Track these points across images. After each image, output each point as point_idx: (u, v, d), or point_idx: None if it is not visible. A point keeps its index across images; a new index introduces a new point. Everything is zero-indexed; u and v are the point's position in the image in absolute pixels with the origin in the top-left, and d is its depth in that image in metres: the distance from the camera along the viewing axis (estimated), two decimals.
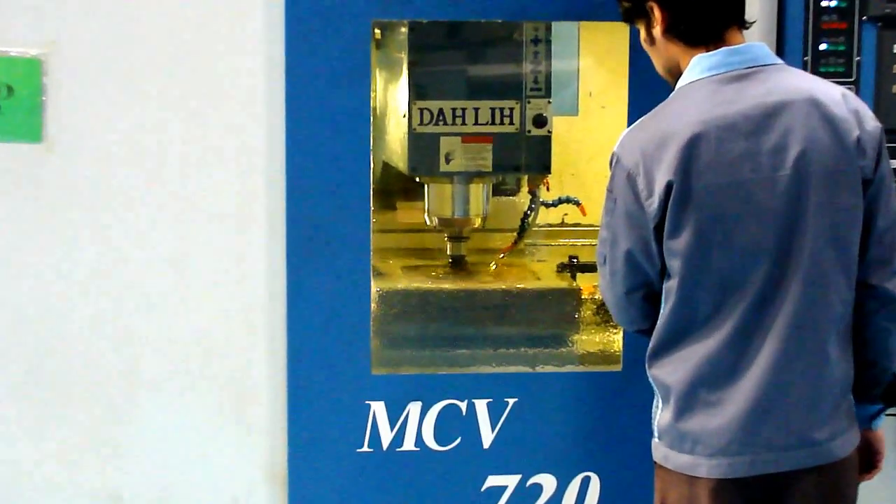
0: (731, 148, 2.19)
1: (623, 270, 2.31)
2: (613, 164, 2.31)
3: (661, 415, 2.32)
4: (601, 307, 3.06)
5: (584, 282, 3.11)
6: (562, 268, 3.19)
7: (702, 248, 2.22)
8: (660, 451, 2.33)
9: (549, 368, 2.95)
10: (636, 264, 2.30)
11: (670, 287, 2.28)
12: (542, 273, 3.22)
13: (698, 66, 2.27)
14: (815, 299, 2.20)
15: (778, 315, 2.19)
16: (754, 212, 2.20)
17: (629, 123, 2.64)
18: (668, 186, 2.21)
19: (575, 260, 3.18)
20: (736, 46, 2.27)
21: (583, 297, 3.05)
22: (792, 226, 2.20)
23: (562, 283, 3.14)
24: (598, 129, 3.31)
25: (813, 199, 2.19)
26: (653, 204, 2.23)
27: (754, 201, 2.20)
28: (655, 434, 2.35)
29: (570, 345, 3.03)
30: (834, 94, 2.24)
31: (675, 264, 2.26)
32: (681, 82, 2.31)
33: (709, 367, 2.24)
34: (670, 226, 2.23)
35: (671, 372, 2.28)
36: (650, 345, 2.31)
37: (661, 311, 2.30)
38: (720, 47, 2.26)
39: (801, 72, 2.36)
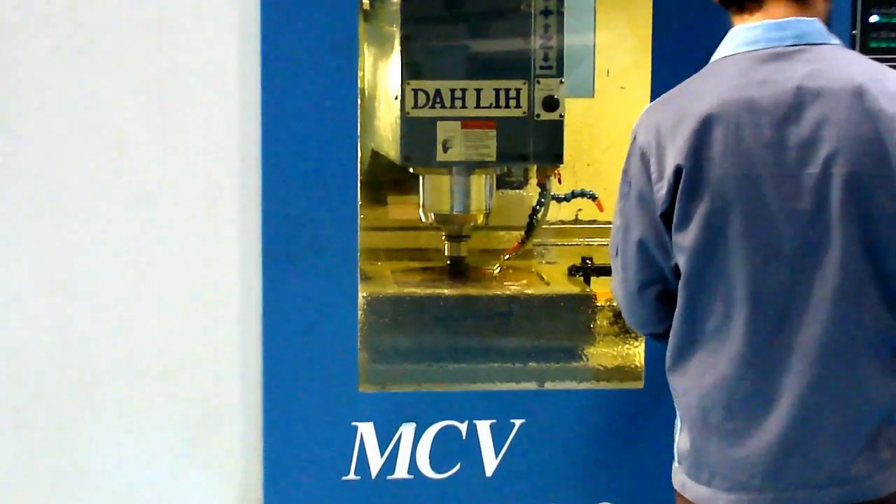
0: (751, 136, 2.16)
1: (636, 263, 2.30)
2: (630, 142, 2.31)
3: (681, 436, 2.33)
4: (619, 315, 3.01)
5: (600, 287, 3.11)
6: (574, 271, 3.19)
7: (709, 246, 2.20)
8: (678, 477, 2.33)
9: (561, 385, 2.96)
10: (649, 256, 2.28)
11: (680, 288, 2.27)
12: (551, 277, 3.23)
13: (735, 39, 2.25)
14: (846, 318, 2.16)
15: (802, 335, 2.16)
16: (771, 212, 2.17)
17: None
18: (678, 171, 2.20)
19: (589, 262, 3.18)
20: (781, 20, 2.22)
21: (598, 303, 3.05)
22: (817, 233, 2.16)
23: (574, 288, 3.14)
24: (617, 113, 3.29)
25: (842, 204, 2.15)
26: (662, 189, 2.23)
27: (772, 200, 2.17)
28: (676, 458, 2.35)
29: (585, 358, 3.04)
30: (891, 86, 2.17)
31: (682, 262, 2.24)
32: (715, 55, 2.30)
33: (724, 390, 2.22)
34: (678, 217, 2.22)
35: (684, 390, 2.29)
36: (667, 352, 2.32)
37: (675, 314, 2.30)
38: (766, 18, 2.23)
39: (857, 55, 2.31)
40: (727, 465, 2.22)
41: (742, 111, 2.17)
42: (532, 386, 2.95)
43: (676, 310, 2.27)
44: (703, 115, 2.18)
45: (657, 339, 2.39)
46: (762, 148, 2.16)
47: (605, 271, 3.14)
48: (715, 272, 2.21)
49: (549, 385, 2.96)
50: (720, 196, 2.18)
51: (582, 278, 3.17)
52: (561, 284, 3.15)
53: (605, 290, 3.09)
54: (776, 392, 2.18)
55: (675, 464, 2.34)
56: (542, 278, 3.24)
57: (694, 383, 2.25)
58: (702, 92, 2.22)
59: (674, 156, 2.19)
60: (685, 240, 2.22)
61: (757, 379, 2.20)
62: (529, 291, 3.08)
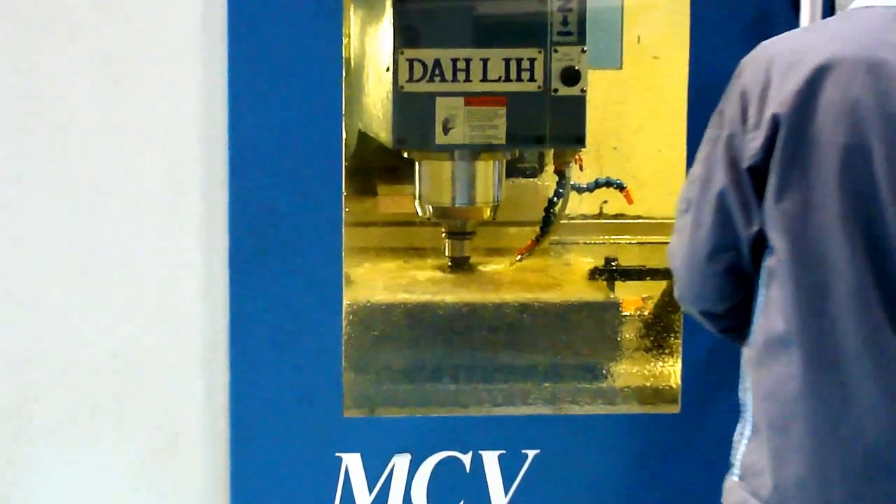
0: (874, 101, 2.15)
1: (711, 222, 2.30)
2: (733, 77, 2.30)
3: (748, 446, 2.32)
4: (651, 326, 3.11)
5: (626, 292, 3.11)
6: (596, 274, 3.20)
7: (807, 226, 2.21)
8: (737, 495, 2.32)
9: (581, 410, 2.97)
10: (728, 216, 2.28)
11: (772, 268, 2.26)
12: (570, 281, 3.23)
13: None
14: None
15: None
16: (880, 196, 2.16)
17: (691, 78, 2.76)
18: (775, 123, 2.19)
19: (614, 263, 3.19)
20: None
21: (625, 312, 3.06)
22: None
23: (596, 294, 3.15)
24: (649, 87, 3.30)
25: None
26: (756, 140, 2.22)
27: (882, 181, 2.16)
28: (736, 471, 2.33)
29: (609, 378, 3.04)
30: None
31: (775, 238, 2.24)
32: (856, 2, 2.28)
33: (816, 398, 2.21)
34: (775, 184, 2.22)
35: (767, 393, 2.27)
36: (750, 342, 2.30)
37: (759, 298, 2.29)
38: None
39: None
40: (803, 486, 2.22)
41: (865, 72, 2.16)
42: (547, 411, 2.96)
43: (772, 292, 2.25)
44: (818, 65, 2.17)
45: (711, 322, 2.39)
46: (879, 118, 2.15)
47: (632, 274, 3.16)
48: (811, 258, 2.20)
49: (567, 409, 2.96)
50: (825, 165, 2.17)
51: (605, 282, 3.17)
52: (581, 290, 3.16)
53: (633, 297, 3.10)
54: (867, 402, 2.19)
55: (733, 479, 2.33)
56: (558, 283, 3.24)
57: (780, 387, 2.24)
58: (826, 39, 2.22)
59: (777, 104, 2.19)
60: (779, 210, 2.22)
61: (852, 387, 2.20)
62: (544, 298, 3.08)
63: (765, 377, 2.28)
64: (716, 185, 2.27)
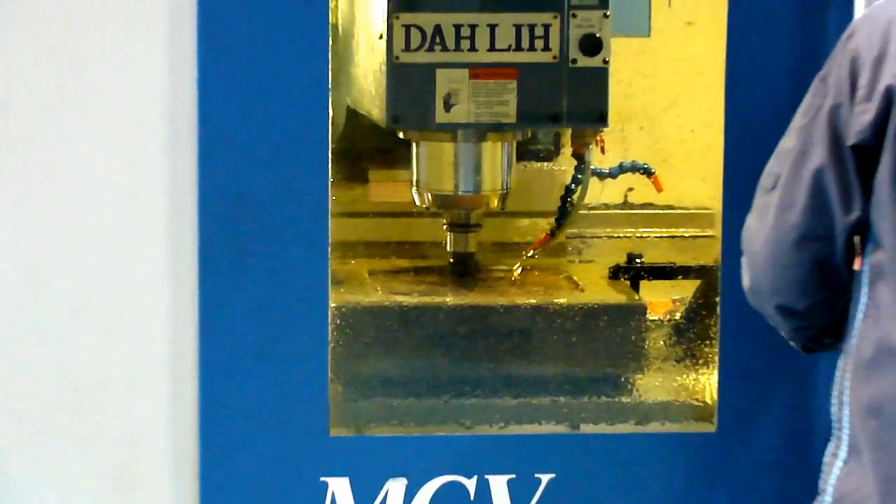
0: None
1: (803, 204, 2.30)
2: (843, 39, 2.30)
3: (844, 469, 2.32)
4: (682, 332, 3.09)
5: (653, 294, 3.12)
6: (618, 272, 3.20)
7: None
8: None
9: (602, 428, 2.97)
10: (824, 198, 2.28)
11: (879, 265, 2.25)
12: (588, 281, 3.23)
13: None
14: None
15: None
16: None
17: (730, 45, 2.77)
18: (889, 96, 2.19)
19: (638, 261, 3.19)
20: None
21: (651, 317, 3.06)
22: None
23: (618, 295, 3.16)
24: (682, 57, 3.29)
25: None
26: (866, 113, 2.22)
27: None
28: (828, 497, 2.35)
29: (634, 392, 3.04)
30: None
31: (884, 230, 2.25)
32: None
33: None
34: (889, 164, 2.21)
35: (870, 411, 2.27)
36: (846, 350, 2.32)
37: (860, 298, 2.30)
38: None
39: None
40: None
41: None
42: (563, 429, 2.96)
43: (877, 293, 2.25)
44: None
45: (787, 319, 2.39)
46: None
47: (659, 273, 3.17)
48: None
49: (585, 428, 2.96)
50: None
51: (628, 282, 3.17)
52: (601, 291, 3.16)
53: (661, 300, 3.10)
54: None
55: (826, 501, 2.35)
56: (575, 283, 3.25)
57: (893, 404, 2.23)
58: None
59: (894, 75, 2.19)
60: (893, 202, 2.22)
61: None
62: (559, 301, 3.08)
63: (872, 391, 2.26)
64: (812, 162, 2.27)
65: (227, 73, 2.76)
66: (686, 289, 3.14)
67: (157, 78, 2.79)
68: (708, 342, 3.03)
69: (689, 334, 3.08)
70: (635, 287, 3.16)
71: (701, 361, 3.02)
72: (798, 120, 2.31)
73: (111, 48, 2.80)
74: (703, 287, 3.08)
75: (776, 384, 2.88)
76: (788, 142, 2.32)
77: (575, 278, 3.25)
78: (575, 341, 3.02)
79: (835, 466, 2.32)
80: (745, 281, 2.41)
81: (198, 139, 2.77)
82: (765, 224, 2.34)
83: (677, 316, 3.13)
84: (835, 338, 2.37)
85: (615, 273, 3.19)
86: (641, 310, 3.05)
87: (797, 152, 2.29)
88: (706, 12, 3.03)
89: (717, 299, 2.90)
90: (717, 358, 2.91)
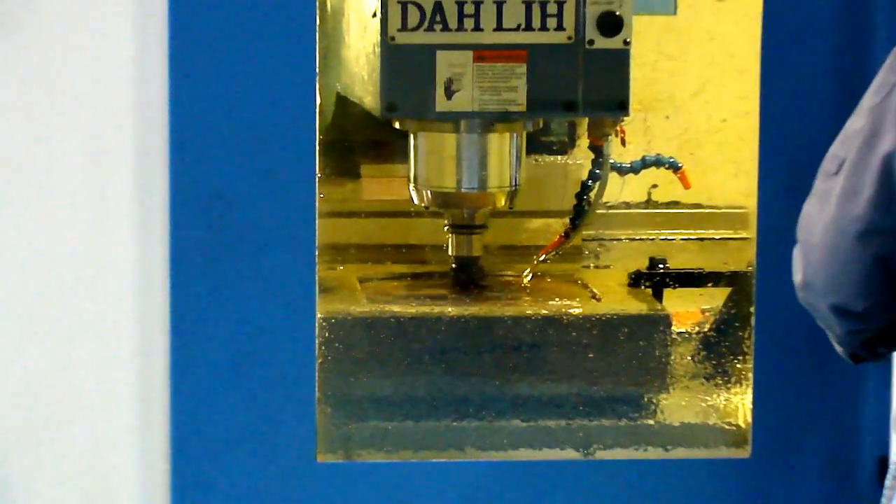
0: None
1: (871, 192, 2.28)
2: None
3: None
4: (711, 346, 3.09)
5: (679, 303, 3.13)
6: (638, 279, 3.20)
7: None
8: None
9: (622, 454, 2.98)
10: (894, 186, 2.28)
11: None
12: (606, 288, 3.23)
13: None
14: None
15: None
16: None
17: (766, 23, 2.74)
18: None
19: (662, 266, 3.19)
20: None
21: (676, 329, 3.08)
22: None
23: (639, 305, 3.15)
24: (712, 37, 3.30)
25: None
26: None
27: None
28: None
29: (657, 413, 3.05)
30: None
31: None
32: None
33: None
34: None
35: None
36: None
37: None
38: None
39: None
40: None
41: None
42: (577, 455, 2.96)
43: None
44: None
45: (842, 320, 2.37)
46: None
47: (684, 280, 3.17)
48: None
49: (601, 454, 2.96)
50: None
51: (650, 290, 3.18)
52: (619, 300, 3.16)
53: (686, 308, 3.12)
54: None
55: None
56: (591, 291, 3.24)
57: None
58: None
59: None
60: None
61: None
62: (572, 311, 3.07)
63: None
64: (883, 145, 2.26)
65: (201, 56, 2.76)
66: (716, 298, 3.13)
67: (122, 59, 2.81)
68: (741, 357, 3.03)
69: (719, 348, 3.08)
70: (658, 296, 3.16)
71: (733, 379, 3.03)
72: (869, 99, 2.28)
73: (72, 21, 2.81)
74: (734, 295, 3.06)
75: (818, 404, 2.86)
76: (857, 122, 2.28)
77: (591, 286, 3.25)
78: (591, 357, 3.01)
79: (892, 498, 2.31)
80: (797, 276, 2.37)
81: (169, 129, 2.77)
82: (825, 213, 2.31)
83: (706, 328, 3.11)
84: (890, 346, 2.35)
85: (636, 280, 3.19)
86: (665, 321, 3.05)
87: (866, 134, 2.27)
88: None
89: (752, 309, 2.87)
90: (751, 375, 2.90)
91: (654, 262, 3.19)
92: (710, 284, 3.14)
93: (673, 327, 3.05)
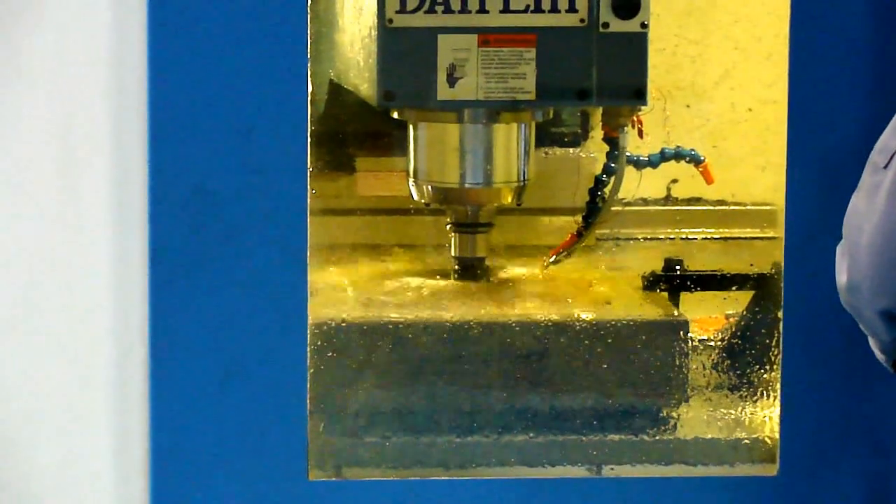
0: None
1: None
2: None
3: None
4: (733, 353, 3.09)
5: (702, 308, 3.14)
6: (653, 282, 3.19)
7: None
8: None
9: (634, 471, 2.98)
10: None
11: None
12: (618, 292, 3.22)
13: None
14: None
15: None
16: None
17: (794, 6, 2.71)
18: None
19: (679, 267, 3.17)
20: None
21: (695, 336, 3.07)
22: None
23: (654, 309, 3.14)
24: (737, 19, 3.27)
25: None
26: None
27: None
28: None
29: (674, 427, 3.05)
30: None
31: None
32: None
33: None
34: None
35: None
36: None
37: None
38: None
39: None
40: None
41: None
42: (585, 473, 2.97)
43: None
44: None
45: (891, 327, 2.34)
46: None
47: (702, 282, 3.14)
48: None
49: (612, 471, 2.97)
50: None
51: (665, 294, 3.17)
52: (632, 304, 3.14)
53: (707, 313, 3.11)
54: None
55: None
56: (602, 295, 3.22)
57: None
58: None
59: None
60: None
61: None
62: (583, 317, 3.06)
63: None
64: None
65: (182, 39, 2.74)
66: (741, 302, 3.11)
67: (98, 45, 2.85)
68: (767, 367, 3.03)
69: (743, 357, 3.05)
70: (674, 300, 3.15)
71: (759, 390, 3.03)
72: None
73: (46, 6, 2.87)
74: (758, 299, 3.03)
75: (851, 417, 2.84)
76: None
77: (601, 289, 3.23)
78: (601, 365, 3.00)
79: None
80: (842, 277, 2.32)
81: (148, 119, 2.75)
82: (873, 209, 2.25)
83: (729, 334, 3.09)
84: None
85: (650, 283, 3.17)
86: (683, 327, 3.03)
87: None
88: None
89: (779, 314, 2.84)
90: (778, 385, 2.90)
91: (670, 264, 3.17)
92: (734, 288, 3.10)
93: (693, 334, 3.03)
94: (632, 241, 3.39)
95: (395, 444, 2.98)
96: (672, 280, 3.16)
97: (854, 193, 2.30)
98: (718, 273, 3.17)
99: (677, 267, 3.17)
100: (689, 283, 3.15)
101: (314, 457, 2.84)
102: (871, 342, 2.37)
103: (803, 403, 2.86)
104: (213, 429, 2.80)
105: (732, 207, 3.31)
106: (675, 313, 3.10)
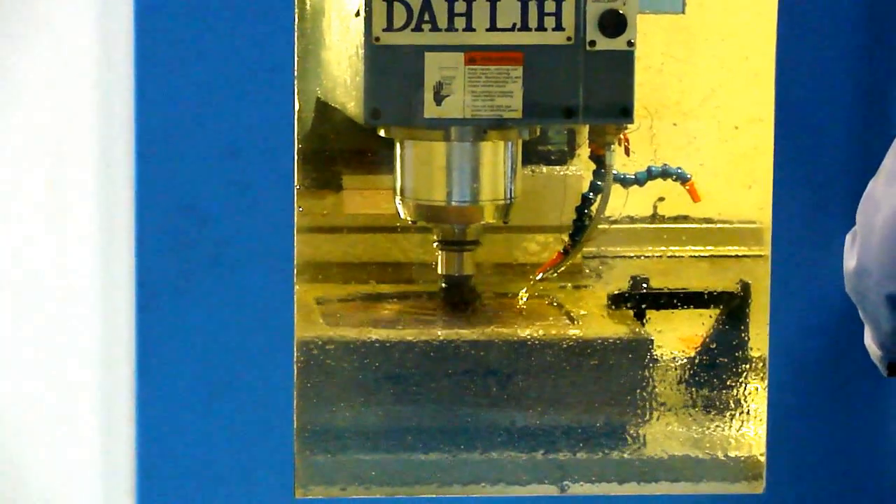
0: None
1: None
2: None
3: None
4: (705, 367, 3.10)
5: (662, 324, 3.15)
6: (618, 301, 3.22)
7: None
8: None
9: (602, 489, 2.98)
10: None
11: None
12: (584, 310, 3.26)
13: None
14: None
15: None
16: None
17: (781, 25, 2.74)
18: None
19: (644, 286, 3.20)
20: None
21: (659, 353, 3.09)
22: None
23: (618, 328, 3.17)
24: (723, 37, 3.31)
25: None
26: None
27: None
28: None
29: (641, 444, 3.07)
30: None
31: None
32: None
33: None
34: None
35: None
36: None
37: None
38: None
39: None
40: None
41: None
42: (552, 490, 2.96)
43: None
44: None
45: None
46: None
47: (667, 301, 3.16)
48: None
49: (578, 489, 2.96)
50: None
51: (632, 311, 3.19)
52: (596, 323, 3.18)
53: (672, 332, 3.12)
54: None
55: None
56: (567, 313, 3.26)
57: None
58: None
59: None
60: None
61: None
62: (555, 334, 3.10)
63: None
64: None
65: (170, 56, 2.75)
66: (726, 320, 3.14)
67: (85, 65, 2.83)
68: (749, 383, 3.05)
69: (725, 372, 3.06)
70: (640, 317, 3.16)
71: (745, 407, 3.04)
72: None
73: (34, 20, 2.86)
74: (729, 310, 3.08)
75: (838, 433, 2.85)
76: None
77: (567, 307, 3.27)
78: (567, 383, 3.01)
79: None
80: (850, 262, 2.35)
81: (135, 137, 2.75)
82: (892, 193, 2.27)
83: (707, 351, 3.11)
84: None
85: (615, 301, 3.19)
86: (647, 345, 3.06)
87: None
88: None
89: (749, 332, 2.92)
90: (763, 402, 2.90)
91: (635, 282, 3.19)
92: (712, 306, 3.12)
93: (655, 351, 3.04)
94: (618, 259, 3.40)
95: (382, 462, 2.97)
96: (632, 298, 3.17)
97: (872, 179, 2.32)
98: (681, 291, 3.19)
99: (642, 284, 3.18)
100: (646, 300, 3.18)
101: (300, 474, 2.84)
102: (869, 338, 2.39)
103: (790, 419, 2.86)
104: (200, 447, 2.80)
105: (719, 225, 3.34)
106: (641, 331, 3.12)
